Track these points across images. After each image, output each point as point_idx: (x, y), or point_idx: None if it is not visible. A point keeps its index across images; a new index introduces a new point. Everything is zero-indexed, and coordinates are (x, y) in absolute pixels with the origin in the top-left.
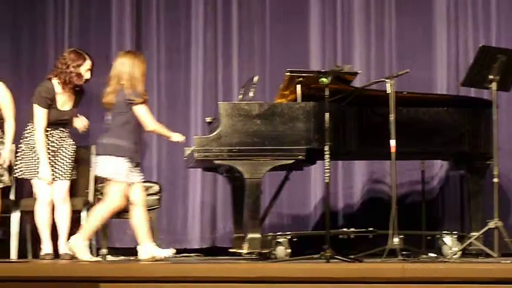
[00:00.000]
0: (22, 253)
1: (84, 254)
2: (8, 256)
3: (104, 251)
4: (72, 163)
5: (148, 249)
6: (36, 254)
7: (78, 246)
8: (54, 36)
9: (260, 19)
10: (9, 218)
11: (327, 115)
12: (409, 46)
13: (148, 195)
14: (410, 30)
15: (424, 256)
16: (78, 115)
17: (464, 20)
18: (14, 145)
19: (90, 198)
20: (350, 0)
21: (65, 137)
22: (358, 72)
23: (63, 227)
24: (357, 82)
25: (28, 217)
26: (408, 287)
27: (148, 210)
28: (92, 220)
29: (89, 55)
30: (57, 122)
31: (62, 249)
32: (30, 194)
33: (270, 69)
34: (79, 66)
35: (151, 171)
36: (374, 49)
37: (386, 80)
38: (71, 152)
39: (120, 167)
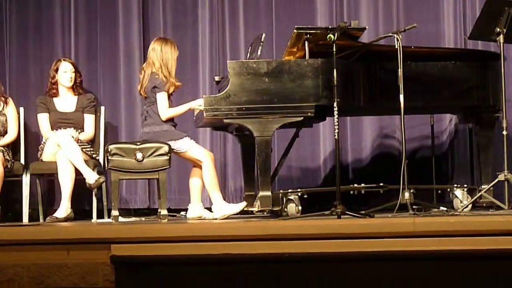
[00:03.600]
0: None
1: (232, 207)
2: (20, 219)
3: (115, 212)
4: None
5: (223, 206)
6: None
7: (223, 207)
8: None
9: None
10: (20, 181)
11: (335, 71)
12: (416, 0)
13: (158, 155)
14: None
15: (435, 210)
16: None
17: None
18: None
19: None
20: None
21: None
22: (365, 27)
23: None
24: (365, 38)
25: (38, 180)
26: (419, 241)
27: (158, 170)
28: (210, 181)
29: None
30: None
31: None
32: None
33: (277, 27)
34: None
35: None
36: (381, 4)
37: (394, 35)
38: None
39: (185, 143)
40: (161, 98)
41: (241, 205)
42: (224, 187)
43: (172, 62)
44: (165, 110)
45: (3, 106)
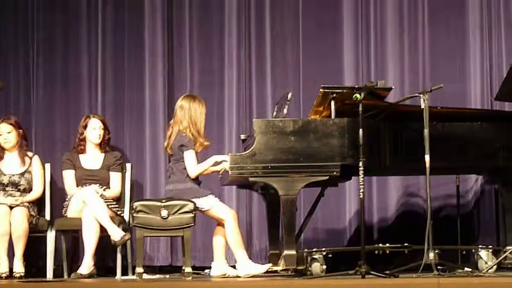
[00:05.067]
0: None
1: (257, 268)
2: (44, 275)
3: (140, 269)
4: None
5: (247, 265)
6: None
7: (248, 266)
8: (88, 52)
9: (293, 36)
10: (45, 237)
11: (361, 131)
12: (443, 59)
13: (183, 213)
14: (444, 43)
15: (460, 270)
16: None
17: (498, 33)
18: None
19: None
20: (383, 15)
21: None
22: (392, 87)
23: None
24: (391, 97)
25: (63, 236)
26: None
27: (183, 228)
28: (234, 240)
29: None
30: None
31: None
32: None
33: (303, 86)
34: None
35: None
36: (408, 63)
37: (420, 95)
38: None
39: (208, 201)
40: (189, 156)
41: (266, 266)
42: (249, 246)
43: (201, 120)
44: (194, 167)
45: (30, 163)
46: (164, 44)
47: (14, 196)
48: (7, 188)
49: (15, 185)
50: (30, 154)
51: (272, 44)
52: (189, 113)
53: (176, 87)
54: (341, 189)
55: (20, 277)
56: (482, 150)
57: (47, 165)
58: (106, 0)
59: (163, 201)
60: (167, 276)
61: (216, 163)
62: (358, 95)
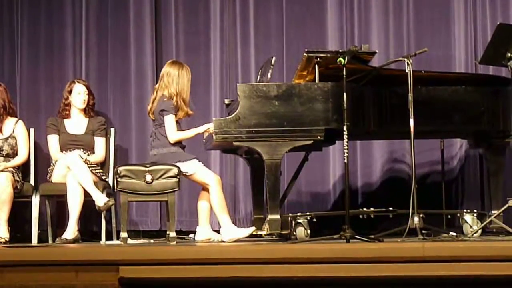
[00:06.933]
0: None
1: (241, 231)
2: (29, 240)
3: (124, 234)
4: None
5: (231, 230)
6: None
7: (232, 230)
8: (72, 16)
9: (277, 0)
10: (29, 202)
11: (345, 95)
12: (427, 25)
13: (167, 177)
14: (428, 9)
15: (445, 235)
16: None
17: None
18: None
19: None
20: None
21: None
22: (376, 51)
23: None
24: (376, 62)
25: (48, 201)
26: (428, 266)
27: (167, 193)
28: (218, 204)
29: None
30: None
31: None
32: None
33: (287, 50)
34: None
35: None
36: (392, 28)
37: (404, 59)
38: None
39: (192, 165)
40: (169, 120)
41: (250, 230)
42: (235, 210)
43: (187, 89)
44: (173, 133)
45: (13, 128)
46: (152, 7)
47: None
48: None
49: None
50: (14, 119)
51: (255, 8)
52: (177, 80)
53: (163, 51)
54: (325, 153)
55: (5, 242)
56: (466, 113)
57: (31, 131)
58: None
59: (147, 165)
60: (152, 241)
61: (199, 135)
62: (342, 59)
